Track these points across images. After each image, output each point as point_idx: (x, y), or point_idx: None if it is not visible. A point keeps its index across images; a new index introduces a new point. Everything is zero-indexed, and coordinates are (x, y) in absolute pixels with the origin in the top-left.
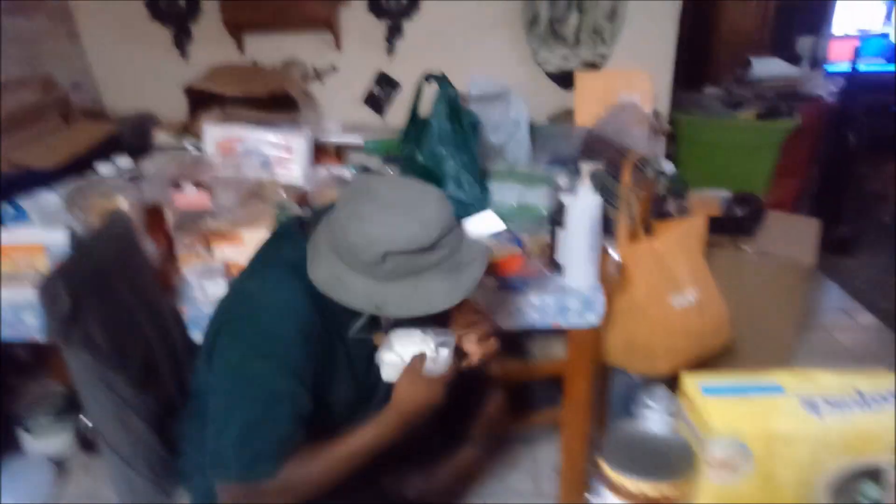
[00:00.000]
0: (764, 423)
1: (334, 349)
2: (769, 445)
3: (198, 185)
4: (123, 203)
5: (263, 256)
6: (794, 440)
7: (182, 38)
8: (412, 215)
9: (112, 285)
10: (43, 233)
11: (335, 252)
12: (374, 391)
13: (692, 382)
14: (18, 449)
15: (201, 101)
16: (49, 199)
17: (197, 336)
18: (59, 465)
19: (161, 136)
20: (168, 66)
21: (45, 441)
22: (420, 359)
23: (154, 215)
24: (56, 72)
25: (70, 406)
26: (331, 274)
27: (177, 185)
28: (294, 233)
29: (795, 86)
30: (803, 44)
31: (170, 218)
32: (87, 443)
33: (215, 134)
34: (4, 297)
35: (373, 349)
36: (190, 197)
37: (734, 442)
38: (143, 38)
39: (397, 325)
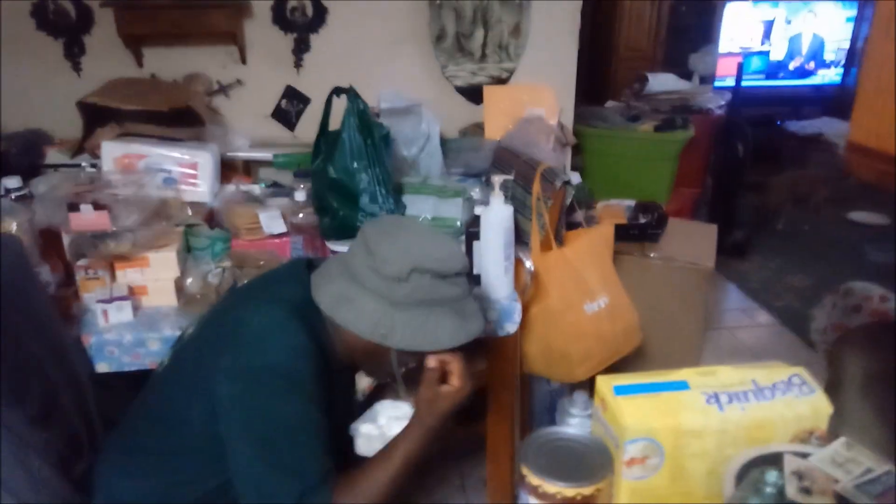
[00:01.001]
0: (673, 419)
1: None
2: (678, 440)
3: (96, 205)
4: (13, 226)
5: (264, 291)
6: (700, 433)
7: (74, 51)
8: (442, 242)
9: (4, 316)
10: None
11: (349, 274)
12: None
13: (606, 384)
14: None
15: (97, 117)
16: None
17: (102, 367)
18: None
19: (53, 155)
20: (59, 81)
21: None
22: (434, 372)
23: (49, 239)
24: None
25: None
26: (340, 295)
27: (73, 206)
28: (298, 273)
29: (688, 99)
30: (694, 60)
31: (66, 240)
32: None
33: (113, 151)
34: None
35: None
36: (88, 218)
37: (647, 439)
38: (30, 51)
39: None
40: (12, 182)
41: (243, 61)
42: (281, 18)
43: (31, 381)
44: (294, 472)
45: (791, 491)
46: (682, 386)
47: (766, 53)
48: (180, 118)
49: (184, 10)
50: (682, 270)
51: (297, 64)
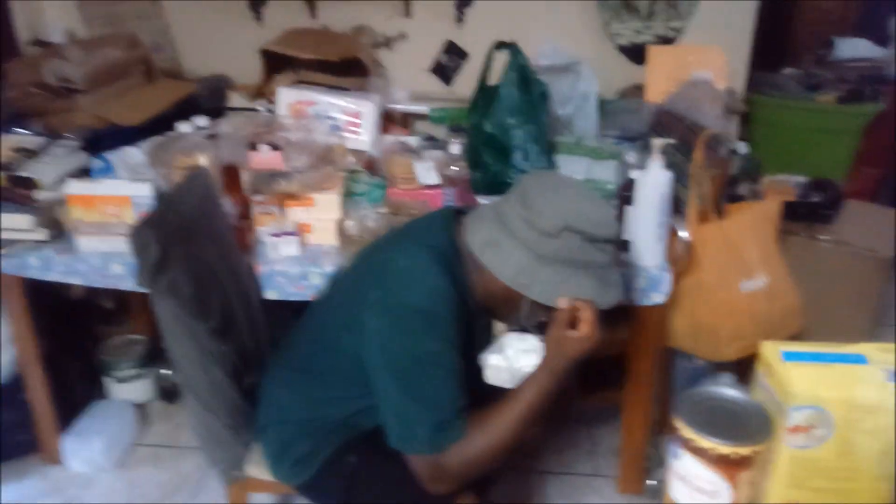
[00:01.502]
0: (846, 390)
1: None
2: (850, 413)
3: (272, 146)
4: (203, 160)
5: (412, 235)
6: (876, 409)
7: (257, 3)
8: (599, 206)
9: (195, 237)
10: (129, 185)
11: (502, 221)
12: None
13: (773, 349)
14: (104, 395)
15: (275, 64)
16: (133, 153)
17: (271, 294)
18: (141, 411)
19: (236, 98)
20: (243, 30)
21: (128, 388)
22: (565, 313)
23: (230, 174)
24: (138, 32)
25: (152, 356)
26: (489, 239)
27: (252, 146)
28: (446, 221)
29: (882, 68)
30: (894, 24)
31: (245, 177)
32: (166, 392)
33: (288, 97)
34: (93, 247)
35: (486, 346)
36: (265, 157)
37: (815, 408)
38: (220, 2)
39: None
40: (202, 121)
41: (408, 15)
42: None
43: (214, 298)
44: (430, 404)
45: None
46: (859, 359)
47: None
48: (348, 68)
49: None
50: (855, 257)
51: (459, 19)
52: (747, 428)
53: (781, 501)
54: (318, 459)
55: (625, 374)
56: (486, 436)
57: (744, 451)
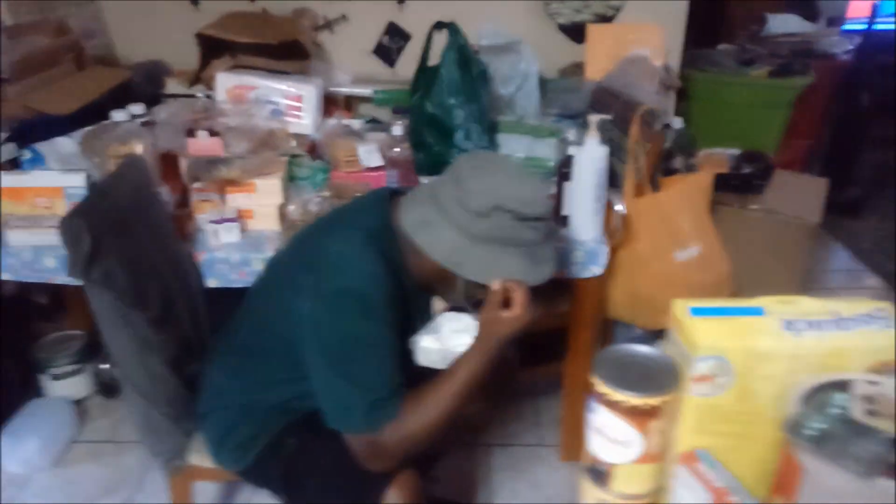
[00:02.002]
0: (746, 340)
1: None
2: (749, 361)
3: (210, 132)
4: (139, 148)
5: (346, 219)
6: (772, 357)
7: None
8: (530, 185)
9: (130, 226)
10: (61, 176)
11: (435, 201)
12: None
13: (682, 305)
14: (40, 394)
15: (212, 49)
16: (65, 143)
17: (212, 282)
18: (79, 407)
19: (172, 84)
20: (179, 14)
21: (65, 385)
22: (497, 295)
23: (168, 162)
24: (68, 19)
25: (89, 351)
26: (423, 220)
27: (190, 132)
28: (380, 202)
29: (811, 43)
30: (822, 0)
31: (183, 164)
32: (106, 387)
33: (227, 82)
34: (24, 240)
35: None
36: (204, 143)
37: (717, 358)
38: None
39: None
40: (137, 108)
41: None
42: None
43: (152, 288)
44: (365, 384)
45: (857, 412)
46: (757, 311)
47: None
48: (288, 52)
49: None
50: (783, 224)
51: (401, 0)
52: (657, 380)
53: (688, 447)
54: (258, 444)
55: (567, 345)
56: (421, 414)
57: (653, 401)
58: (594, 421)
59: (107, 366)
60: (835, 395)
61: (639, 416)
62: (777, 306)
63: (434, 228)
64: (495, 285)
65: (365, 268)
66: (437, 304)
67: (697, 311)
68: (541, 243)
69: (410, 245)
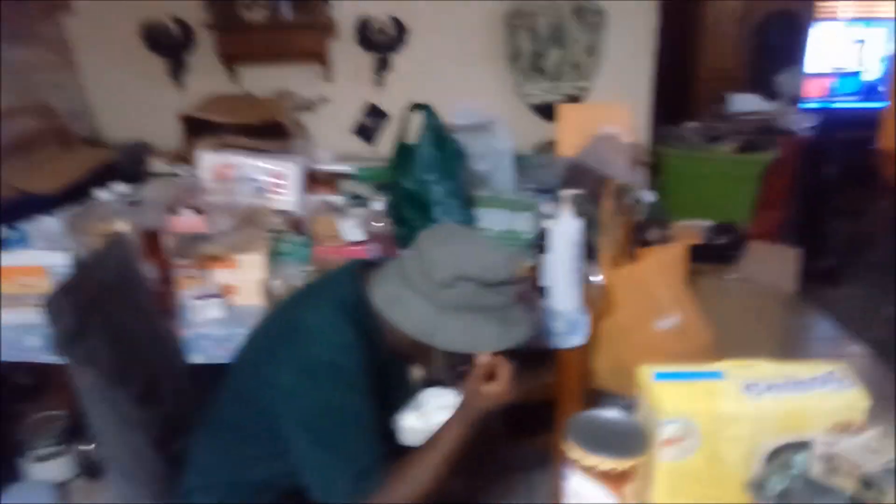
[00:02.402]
0: (708, 403)
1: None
2: (714, 424)
3: (194, 210)
4: (123, 226)
5: (319, 292)
6: (736, 419)
7: (177, 69)
8: (490, 251)
9: (114, 304)
10: (44, 255)
11: (402, 276)
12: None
13: (647, 371)
14: (19, 477)
15: (196, 129)
16: (50, 223)
17: (196, 357)
18: (62, 490)
19: (156, 164)
20: (163, 96)
21: (46, 467)
22: (482, 368)
23: (151, 240)
24: (54, 100)
25: (72, 432)
26: (392, 295)
27: (174, 211)
28: (351, 274)
29: (772, 121)
30: (780, 81)
31: (167, 242)
32: (88, 469)
33: (210, 161)
34: (6, 319)
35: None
36: (187, 221)
37: (683, 421)
38: (139, 68)
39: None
40: (122, 188)
41: (329, 79)
42: (365, 39)
43: (136, 365)
44: (347, 454)
45: (817, 471)
46: (717, 375)
47: (858, 74)
48: (271, 132)
49: (276, 31)
50: (758, 292)
51: (378, 82)
52: (627, 444)
53: None
54: None
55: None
56: (405, 482)
57: (624, 465)
58: (569, 487)
59: (90, 447)
60: (795, 456)
61: (612, 479)
62: (736, 370)
63: (403, 302)
64: (482, 359)
65: (338, 339)
66: (416, 372)
67: (661, 376)
68: (510, 306)
69: (384, 320)
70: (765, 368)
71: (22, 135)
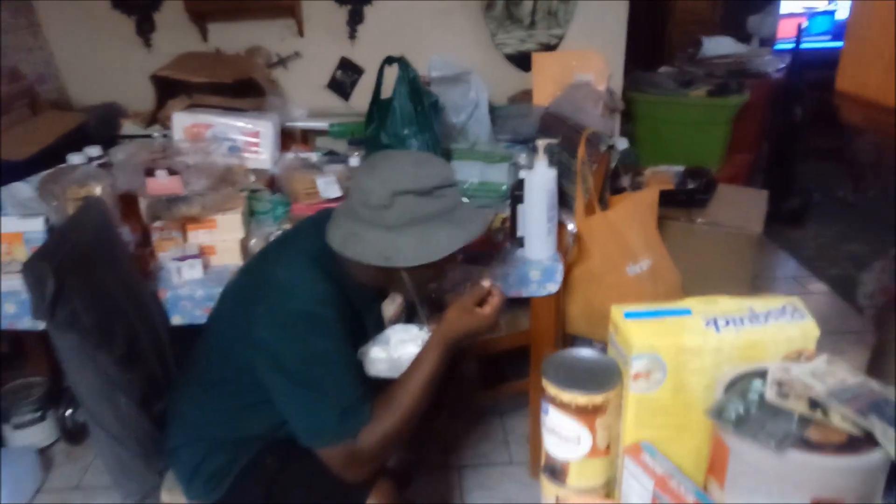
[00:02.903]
0: (674, 338)
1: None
2: (679, 357)
3: (169, 171)
4: (97, 190)
5: (289, 245)
6: (699, 352)
7: (145, 28)
8: (418, 163)
9: (93, 268)
10: (19, 221)
11: (350, 213)
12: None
13: (618, 311)
14: (1, 444)
15: (167, 89)
16: (22, 189)
17: (176, 319)
18: (44, 456)
19: (128, 126)
20: (132, 56)
21: (28, 433)
22: (482, 290)
23: (127, 202)
24: (20, 64)
25: (52, 398)
26: (346, 233)
27: (149, 172)
28: (318, 224)
29: (745, 63)
30: (753, 22)
31: (143, 204)
32: (70, 433)
33: (183, 121)
34: None
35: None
36: (163, 183)
37: (651, 356)
38: (105, 29)
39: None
40: (94, 151)
41: (301, 34)
42: None
43: (117, 327)
44: (332, 395)
45: (770, 395)
46: (685, 312)
47: (832, 13)
48: (243, 89)
49: None
50: (727, 235)
51: (352, 35)
52: (600, 380)
53: (633, 440)
54: (232, 472)
55: (530, 363)
56: (393, 411)
57: (598, 399)
58: (547, 422)
59: (70, 411)
60: (753, 382)
61: (586, 414)
62: (701, 306)
63: (357, 236)
64: (486, 283)
65: (312, 289)
66: (387, 309)
67: (631, 315)
68: (457, 207)
69: (347, 260)
70: (725, 304)
71: None
